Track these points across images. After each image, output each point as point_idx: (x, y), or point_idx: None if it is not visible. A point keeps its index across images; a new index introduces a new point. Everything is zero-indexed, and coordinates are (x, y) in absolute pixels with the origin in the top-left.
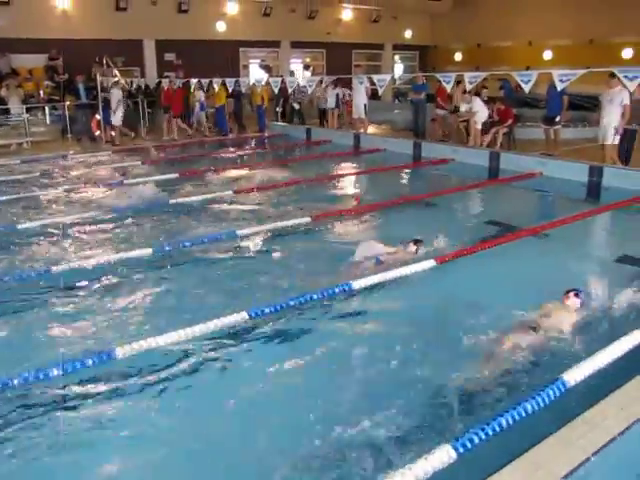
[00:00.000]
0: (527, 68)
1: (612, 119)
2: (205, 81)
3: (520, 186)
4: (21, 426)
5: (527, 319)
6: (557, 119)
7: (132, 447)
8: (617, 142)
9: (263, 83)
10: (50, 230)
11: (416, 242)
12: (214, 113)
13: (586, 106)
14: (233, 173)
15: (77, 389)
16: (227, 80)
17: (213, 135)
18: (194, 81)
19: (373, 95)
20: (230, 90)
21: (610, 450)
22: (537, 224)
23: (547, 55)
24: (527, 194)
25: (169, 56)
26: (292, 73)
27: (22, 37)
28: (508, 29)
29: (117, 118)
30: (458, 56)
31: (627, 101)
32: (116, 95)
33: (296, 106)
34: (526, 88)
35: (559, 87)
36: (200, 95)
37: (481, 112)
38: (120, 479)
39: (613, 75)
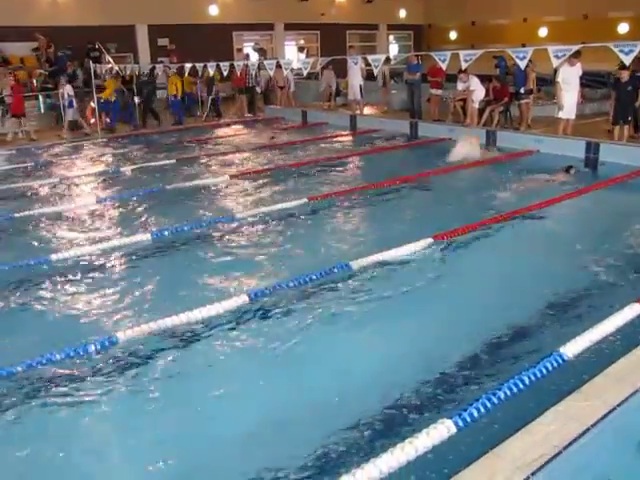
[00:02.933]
0: (523, 45)
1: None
2: (200, 65)
3: (518, 163)
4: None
5: None
6: (522, 92)
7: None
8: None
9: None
10: (49, 218)
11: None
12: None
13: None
14: (228, 158)
15: (80, 374)
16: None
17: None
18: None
19: (369, 76)
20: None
21: (609, 421)
22: (537, 200)
23: (542, 32)
24: (525, 171)
25: (162, 41)
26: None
27: (10, 25)
28: (502, 6)
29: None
30: (453, 35)
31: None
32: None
33: (258, 90)
34: (522, 64)
35: (555, 63)
36: (68, 90)
37: (478, 91)
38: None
39: (576, 55)
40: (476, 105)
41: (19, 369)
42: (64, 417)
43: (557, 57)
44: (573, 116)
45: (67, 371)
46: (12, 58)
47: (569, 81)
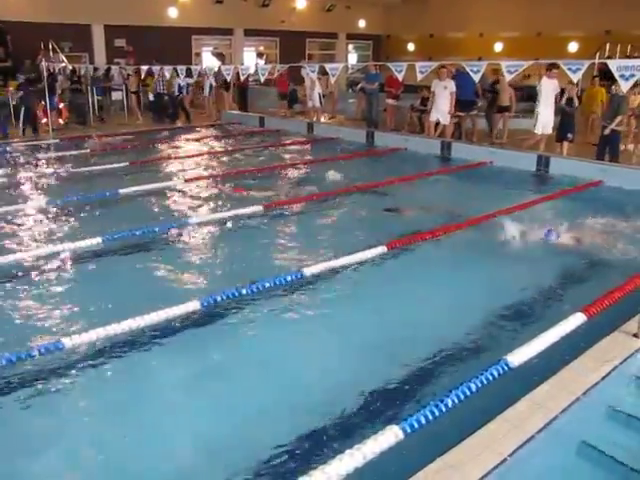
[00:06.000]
0: (479, 59)
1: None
2: (156, 68)
3: (471, 175)
4: None
5: None
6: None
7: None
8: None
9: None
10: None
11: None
12: None
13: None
14: (185, 161)
15: (24, 380)
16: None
17: None
18: (144, 68)
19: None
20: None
21: (553, 428)
22: (487, 211)
23: (498, 47)
24: (477, 182)
25: (119, 42)
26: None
27: None
28: (460, 20)
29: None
30: (411, 46)
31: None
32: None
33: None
34: (475, 78)
35: (507, 78)
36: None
37: (446, 99)
38: None
39: (553, 66)
40: (448, 114)
41: None
42: None
43: (509, 72)
44: (548, 131)
45: (8, 377)
46: None
47: (546, 95)
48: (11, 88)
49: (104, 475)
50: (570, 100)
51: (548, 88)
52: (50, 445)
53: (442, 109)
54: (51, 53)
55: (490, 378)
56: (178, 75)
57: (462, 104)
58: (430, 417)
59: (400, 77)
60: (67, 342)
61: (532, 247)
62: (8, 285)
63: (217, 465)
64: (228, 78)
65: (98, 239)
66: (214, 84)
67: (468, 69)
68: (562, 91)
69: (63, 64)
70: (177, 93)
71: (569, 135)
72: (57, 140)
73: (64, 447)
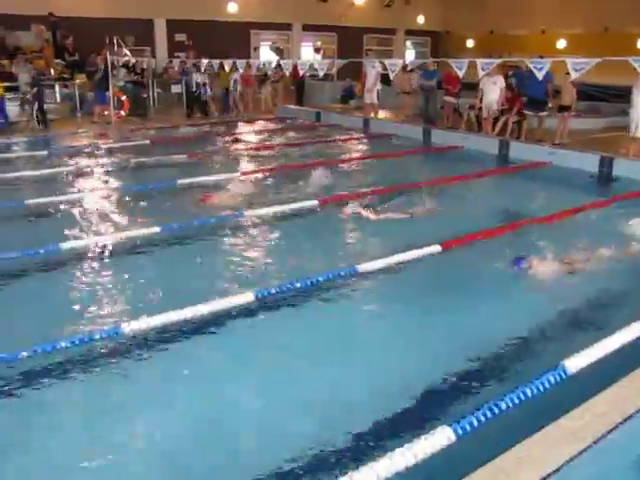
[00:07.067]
0: (541, 57)
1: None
2: (216, 62)
3: (529, 175)
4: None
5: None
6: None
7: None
8: None
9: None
10: (59, 207)
11: None
12: None
13: (599, 97)
14: (239, 155)
15: (84, 363)
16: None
17: None
18: (204, 61)
19: (385, 80)
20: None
21: (610, 439)
22: (544, 213)
23: (561, 44)
24: (535, 183)
25: (179, 36)
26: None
27: (30, 14)
28: (521, 17)
29: None
30: (470, 43)
31: None
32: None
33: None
34: (539, 75)
35: (573, 76)
36: None
37: (495, 94)
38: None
39: None
40: (494, 106)
41: (24, 354)
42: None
43: (576, 70)
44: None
45: (71, 359)
46: (30, 46)
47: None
48: (77, 81)
49: None
50: None
51: (636, 89)
52: None
53: (492, 105)
54: (115, 47)
55: (547, 384)
56: (198, 71)
57: (532, 103)
58: (483, 420)
59: (461, 74)
60: (125, 327)
61: (594, 251)
62: (70, 270)
63: (264, 457)
64: (287, 73)
65: (156, 228)
66: (239, 80)
67: (532, 67)
68: None
69: (126, 58)
70: (194, 89)
71: None
72: (118, 130)
73: None
